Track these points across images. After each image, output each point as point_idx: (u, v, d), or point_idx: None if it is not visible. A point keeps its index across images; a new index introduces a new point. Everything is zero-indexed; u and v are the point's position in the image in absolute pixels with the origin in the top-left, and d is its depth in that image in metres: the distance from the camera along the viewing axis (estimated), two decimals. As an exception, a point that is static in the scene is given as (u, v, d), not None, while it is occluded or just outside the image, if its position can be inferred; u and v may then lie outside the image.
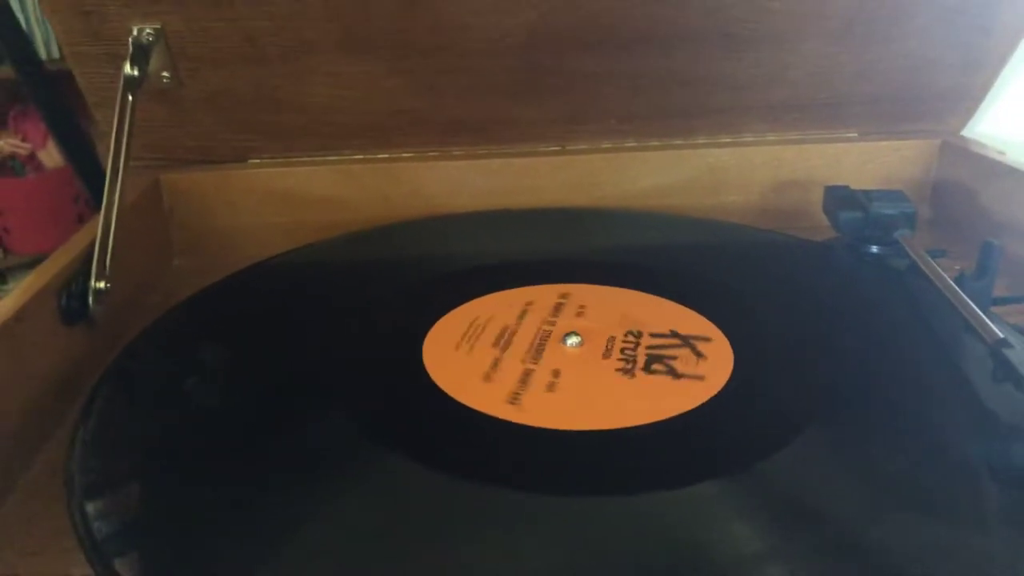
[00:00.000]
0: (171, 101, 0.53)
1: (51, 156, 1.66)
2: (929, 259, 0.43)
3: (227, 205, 0.57)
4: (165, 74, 0.52)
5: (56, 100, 0.54)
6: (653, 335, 0.40)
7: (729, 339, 0.39)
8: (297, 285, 0.48)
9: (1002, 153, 0.56)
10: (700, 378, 0.36)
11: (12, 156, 1.68)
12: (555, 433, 0.33)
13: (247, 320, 0.44)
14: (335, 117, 0.56)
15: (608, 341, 0.39)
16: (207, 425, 0.35)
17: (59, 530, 0.30)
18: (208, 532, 0.29)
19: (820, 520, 0.29)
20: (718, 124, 0.59)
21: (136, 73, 0.48)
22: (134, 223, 0.49)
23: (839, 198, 0.50)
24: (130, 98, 0.47)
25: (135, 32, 0.49)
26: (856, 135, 0.60)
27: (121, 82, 0.47)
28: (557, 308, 0.43)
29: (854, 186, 0.51)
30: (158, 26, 0.49)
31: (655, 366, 0.37)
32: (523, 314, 0.42)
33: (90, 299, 0.41)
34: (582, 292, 0.45)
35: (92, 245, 0.42)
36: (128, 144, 0.46)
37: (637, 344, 0.39)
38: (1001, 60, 0.57)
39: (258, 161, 0.58)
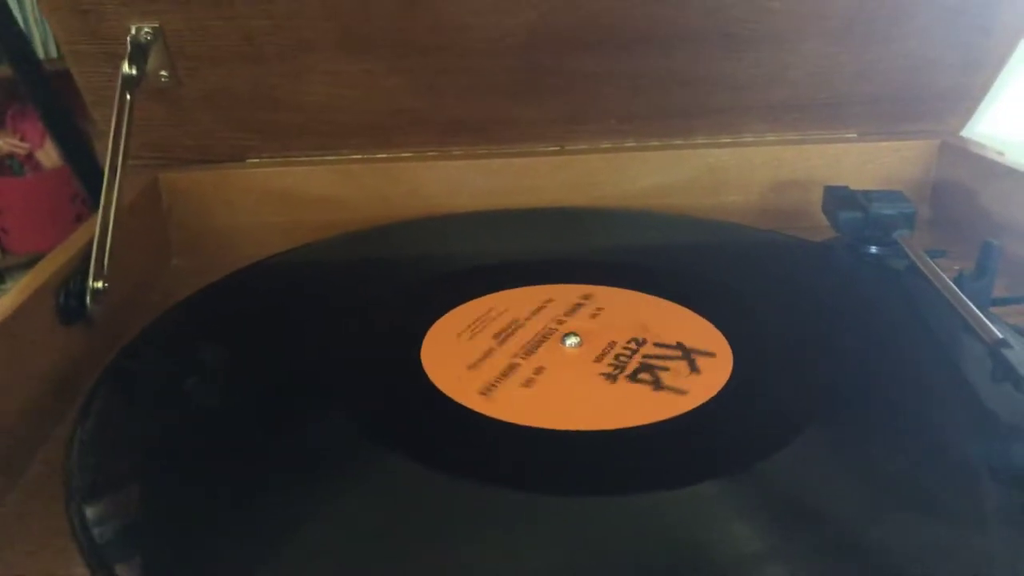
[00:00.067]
0: (169, 100, 0.53)
1: (49, 156, 1.66)
2: (928, 259, 0.43)
3: (225, 204, 0.57)
4: (163, 73, 0.51)
5: (54, 99, 0.54)
6: (657, 344, 0.39)
7: (729, 339, 0.39)
8: (296, 285, 0.48)
9: (1001, 153, 0.56)
10: (682, 392, 0.35)
11: (10, 156, 1.67)
12: (516, 428, 0.33)
13: (246, 320, 0.44)
14: (334, 116, 0.56)
15: (608, 345, 0.39)
16: (206, 425, 0.35)
17: (57, 530, 0.30)
18: (208, 532, 0.29)
19: (820, 520, 0.29)
20: (718, 124, 0.59)
21: (134, 72, 0.48)
22: (132, 222, 0.48)
23: (839, 198, 0.50)
24: (128, 97, 0.47)
25: (133, 31, 0.49)
26: (856, 135, 0.60)
27: (119, 81, 0.47)
28: (574, 308, 0.43)
29: (854, 186, 0.51)
30: (156, 25, 0.49)
31: (642, 375, 0.37)
32: (538, 310, 0.42)
33: (88, 298, 0.41)
34: (605, 295, 0.44)
35: (90, 244, 0.42)
36: (126, 143, 0.46)
37: (635, 352, 0.39)
38: (1001, 60, 0.57)
39: (257, 160, 0.58)
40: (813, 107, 0.59)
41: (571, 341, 0.39)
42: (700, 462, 0.31)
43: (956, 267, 0.42)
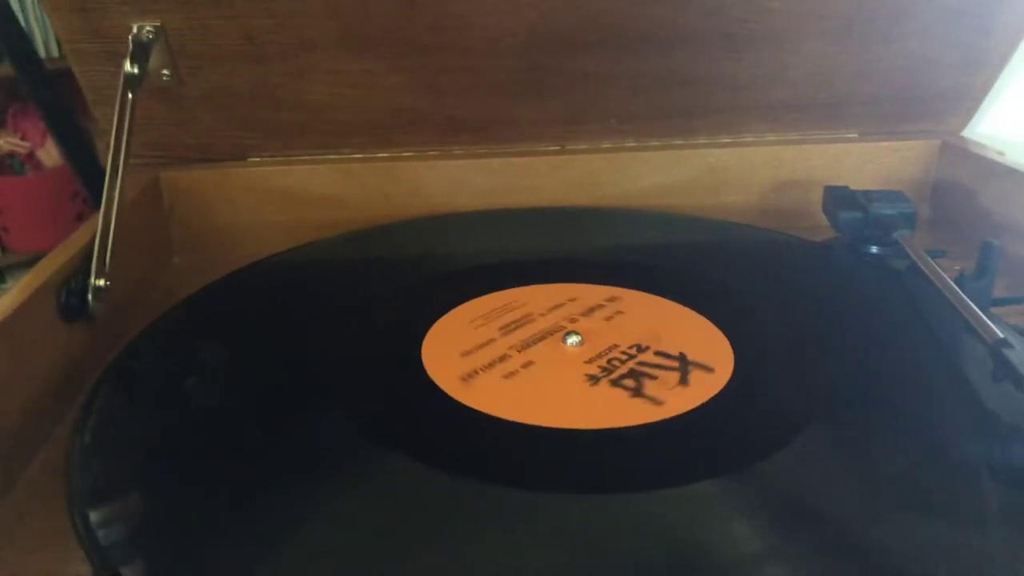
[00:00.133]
0: (171, 99, 0.53)
1: (50, 155, 1.66)
2: (929, 259, 0.43)
3: (227, 203, 0.57)
4: (165, 72, 0.51)
5: (55, 98, 0.54)
6: (658, 353, 0.39)
7: (729, 339, 0.39)
8: (297, 284, 0.48)
9: (1001, 153, 0.56)
10: (658, 403, 0.35)
11: (11, 154, 1.67)
12: (481, 416, 0.34)
13: (247, 319, 0.44)
14: (335, 115, 0.56)
15: (607, 349, 0.39)
16: (207, 424, 0.35)
17: (58, 529, 0.30)
18: (208, 531, 0.29)
19: (820, 520, 0.29)
20: (718, 124, 0.59)
21: (136, 71, 0.48)
22: (134, 221, 0.49)
23: (839, 198, 0.50)
24: (130, 96, 0.47)
25: (135, 30, 0.49)
26: (856, 135, 0.60)
27: (121, 80, 0.47)
28: (593, 309, 0.43)
29: (854, 186, 0.51)
30: (158, 23, 0.49)
31: (625, 381, 0.36)
32: (556, 308, 0.43)
33: (90, 296, 0.41)
34: (631, 298, 0.44)
35: (92, 242, 0.42)
36: (128, 142, 0.46)
37: (631, 357, 0.38)
38: (1001, 60, 0.57)
39: (258, 159, 0.58)
40: (813, 107, 0.59)
41: (572, 340, 0.39)
42: (700, 462, 0.31)
43: (956, 267, 0.42)
